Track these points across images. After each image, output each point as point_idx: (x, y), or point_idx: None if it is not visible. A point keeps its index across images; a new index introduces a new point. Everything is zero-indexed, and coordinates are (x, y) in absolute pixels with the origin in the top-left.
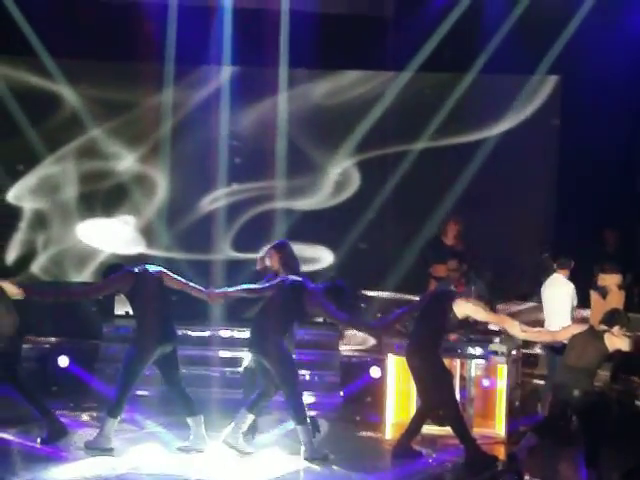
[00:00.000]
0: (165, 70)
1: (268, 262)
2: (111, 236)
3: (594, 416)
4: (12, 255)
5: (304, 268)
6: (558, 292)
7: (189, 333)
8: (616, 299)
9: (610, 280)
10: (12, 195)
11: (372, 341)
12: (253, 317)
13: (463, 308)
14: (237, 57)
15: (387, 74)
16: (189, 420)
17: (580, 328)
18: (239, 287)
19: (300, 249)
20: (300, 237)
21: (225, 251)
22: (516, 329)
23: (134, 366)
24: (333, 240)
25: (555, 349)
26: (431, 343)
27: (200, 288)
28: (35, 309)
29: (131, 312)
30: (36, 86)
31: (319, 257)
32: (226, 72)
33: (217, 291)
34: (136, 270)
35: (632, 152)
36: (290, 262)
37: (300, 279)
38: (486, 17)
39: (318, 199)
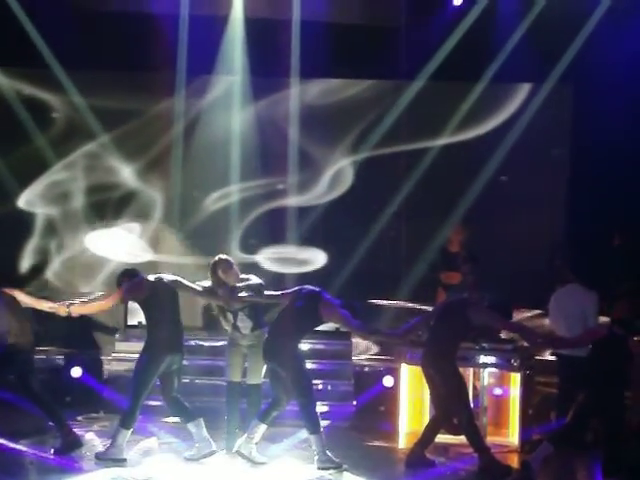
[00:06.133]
0: (176, 79)
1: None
2: (119, 244)
3: (622, 422)
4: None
5: None
6: (573, 303)
7: (202, 343)
8: None
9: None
10: (23, 202)
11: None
12: (268, 326)
13: (480, 315)
14: (248, 67)
15: (399, 83)
16: (189, 426)
17: (600, 333)
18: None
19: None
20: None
21: (234, 253)
22: (532, 336)
23: (144, 375)
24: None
25: (567, 357)
26: (446, 351)
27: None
28: (47, 320)
29: (143, 321)
30: (45, 97)
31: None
32: (237, 81)
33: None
34: (151, 278)
35: None
36: None
37: (317, 288)
38: (498, 24)
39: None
